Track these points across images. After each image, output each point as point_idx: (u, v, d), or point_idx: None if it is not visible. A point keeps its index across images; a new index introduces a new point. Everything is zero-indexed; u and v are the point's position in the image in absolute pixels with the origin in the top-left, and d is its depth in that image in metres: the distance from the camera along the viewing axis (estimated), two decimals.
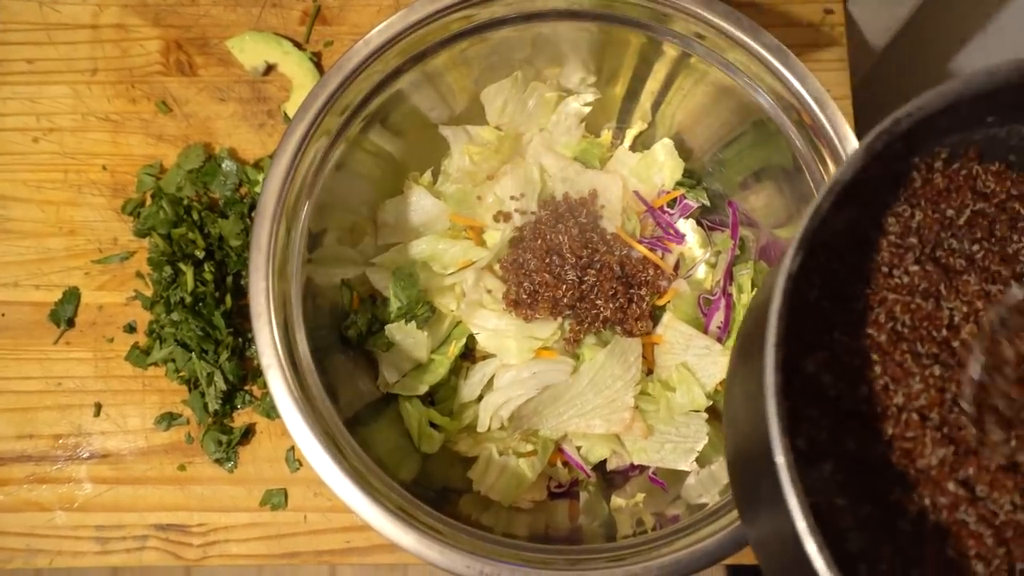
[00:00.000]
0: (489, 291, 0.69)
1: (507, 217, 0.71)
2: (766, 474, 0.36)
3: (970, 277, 0.43)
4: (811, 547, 0.33)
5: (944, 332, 0.42)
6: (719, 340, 0.71)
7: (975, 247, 0.44)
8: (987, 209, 0.46)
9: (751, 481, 0.42)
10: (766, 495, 0.37)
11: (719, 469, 0.66)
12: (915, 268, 0.43)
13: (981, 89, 0.40)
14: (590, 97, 0.74)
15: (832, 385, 0.41)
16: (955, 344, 0.42)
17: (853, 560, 0.38)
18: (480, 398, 0.69)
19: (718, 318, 0.72)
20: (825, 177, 0.64)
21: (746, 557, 0.71)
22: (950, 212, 0.45)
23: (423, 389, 0.69)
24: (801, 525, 0.34)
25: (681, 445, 0.67)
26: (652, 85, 0.73)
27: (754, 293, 0.71)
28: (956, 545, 0.39)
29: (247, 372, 0.77)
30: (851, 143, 0.61)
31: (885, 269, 0.44)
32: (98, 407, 0.76)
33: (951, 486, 0.39)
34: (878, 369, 0.41)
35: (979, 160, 0.46)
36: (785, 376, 0.37)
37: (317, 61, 0.83)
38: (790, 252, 0.38)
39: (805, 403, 0.41)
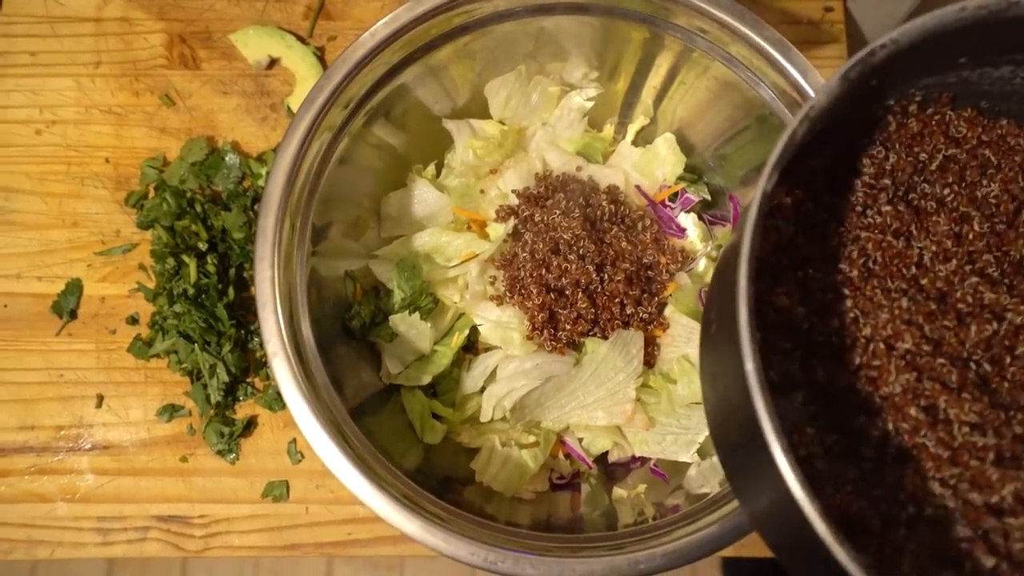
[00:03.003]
0: (492, 283, 0.69)
1: (510, 213, 0.71)
2: (743, 403, 0.37)
3: (939, 218, 0.45)
4: (781, 459, 0.35)
5: (913, 269, 0.44)
6: None
7: (946, 191, 0.46)
8: (958, 154, 0.47)
9: (730, 423, 0.43)
10: (744, 419, 0.38)
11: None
12: (888, 208, 0.45)
13: (951, 25, 0.41)
14: (593, 92, 0.74)
15: (804, 318, 0.43)
16: (923, 281, 0.44)
17: (820, 482, 0.40)
18: (482, 390, 0.69)
19: None
20: None
21: (745, 550, 0.72)
22: (923, 156, 0.47)
23: (426, 380, 0.69)
24: (765, 423, 0.35)
25: (682, 437, 0.68)
26: (654, 80, 0.73)
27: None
28: (916, 467, 0.40)
29: (249, 364, 0.77)
30: None
31: (859, 209, 0.45)
32: (100, 398, 0.76)
33: (912, 411, 0.41)
34: (849, 303, 0.43)
35: (952, 105, 0.47)
36: (758, 307, 0.39)
37: (320, 55, 0.83)
38: (765, 173, 0.39)
39: (778, 336, 0.43)
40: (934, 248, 0.44)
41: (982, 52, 0.45)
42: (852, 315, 0.43)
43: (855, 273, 0.44)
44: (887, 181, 0.46)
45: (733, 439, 0.43)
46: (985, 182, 0.46)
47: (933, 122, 0.47)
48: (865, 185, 0.45)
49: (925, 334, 0.42)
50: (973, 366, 0.42)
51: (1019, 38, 0.43)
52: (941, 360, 0.41)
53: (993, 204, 0.46)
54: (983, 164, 0.47)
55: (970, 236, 0.45)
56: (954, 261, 0.44)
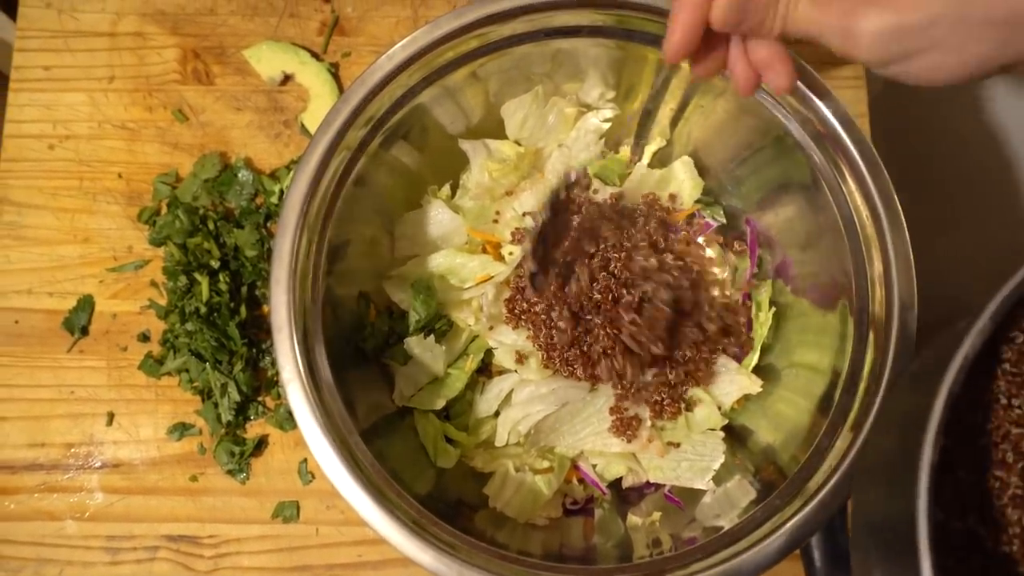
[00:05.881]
0: (507, 306, 0.69)
1: (525, 236, 0.71)
2: None
3: None
4: None
5: None
6: (736, 358, 0.70)
7: None
8: None
9: None
10: None
11: (735, 489, 0.65)
12: None
13: None
14: (609, 113, 0.74)
15: (963, 531, 0.39)
16: None
17: None
18: (497, 413, 0.69)
19: None
20: (845, 192, 0.64)
21: None
22: None
23: (440, 404, 0.68)
24: None
25: (698, 463, 0.67)
26: (671, 101, 0.73)
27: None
28: None
29: (261, 383, 0.76)
30: (875, 163, 0.61)
31: (1004, 400, 0.42)
32: (111, 416, 0.76)
33: None
34: (1013, 513, 0.39)
35: None
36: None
37: (335, 72, 0.83)
38: (927, 443, 0.36)
39: (939, 553, 0.38)
40: None
41: None
42: (1019, 529, 0.39)
43: (1014, 479, 0.40)
44: None
45: None
46: None
47: None
48: (1007, 373, 0.42)
49: None
50: None
51: None
52: None
53: None
54: None
55: None
56: None
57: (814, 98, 0.61)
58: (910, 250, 0.60)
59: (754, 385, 0.68)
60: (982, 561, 0.39)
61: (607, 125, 0.74)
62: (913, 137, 1.06)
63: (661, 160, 0.77)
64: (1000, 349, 0.43)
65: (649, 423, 0.67)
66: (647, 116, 0.75)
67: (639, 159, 0.77)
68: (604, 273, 0.66)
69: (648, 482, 0.70)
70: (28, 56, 0.83)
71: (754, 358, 0.70)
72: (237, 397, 0.73)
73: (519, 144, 0.74)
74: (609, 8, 0.64)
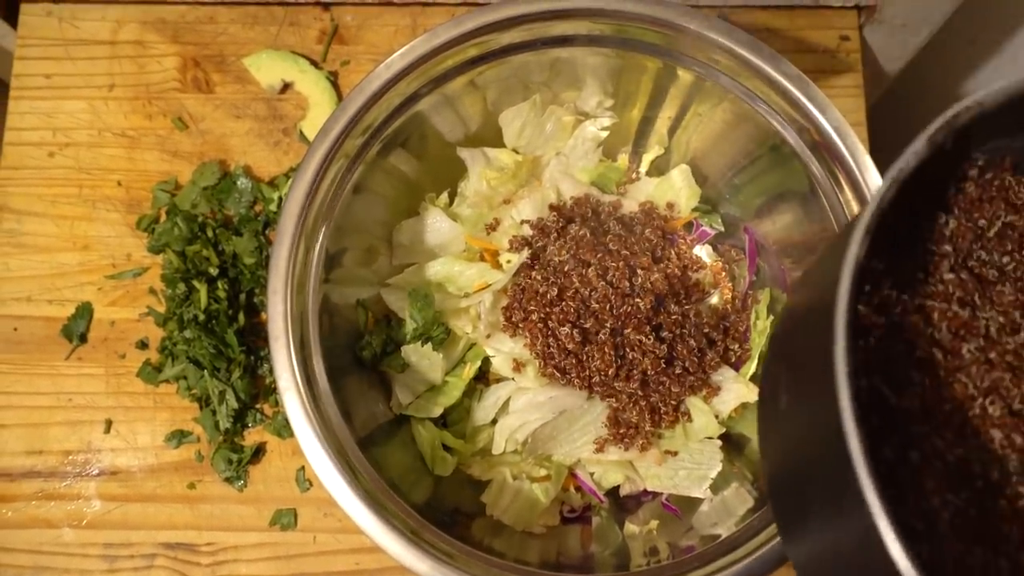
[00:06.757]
0: (505, 314, 0.69)
1: (524, 243, 0.71)
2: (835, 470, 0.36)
3: (1004, 288, 0.43)
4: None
5: (980, 342, 0.42)
6: (734, 366, 0.70)
7: (1005, 259, 0.44)
8: (1017, 222, 0.45)
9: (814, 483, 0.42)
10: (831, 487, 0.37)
11: (732, 497, 0.65)
12: (950, 276, 0.43)
13: None
14: (607, 121, 0.74)
15: (864, 389, 0.41)
16: (992, 355, 0.42)
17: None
18: (494, 421, 0.69)
19: None
20: (842, 201, 0.64)
21: None
22: (982, 222, 0.45)
23: (437, 411, 0.68)
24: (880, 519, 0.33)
25: (695, 472, 0.67)
26: (669, 110, 0.73)
27: (778, 312, 0.71)
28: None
29: (259, 391, 0.76)
30: (870, 172, 0.61)
31: (920, 275, 0.43)
32: (108, 423, 0.76)
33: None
34: (916, 375, 0.41)
35: (1013, 171, 0.46)
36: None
37: (334, 80, 0.83)
38: (856, 238, 0.37)
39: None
40: (1001, 319, 0.42)
41: None
42: (921, 388, 0.41)
43: (922, 342, 0.42)
44: (948, 247, 0.44)
45: (810, 497, 0.42)
46: None
47: (993, 187, 0.45)
48: (925, 251, 0.44)
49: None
50: None
51: None
52: None
53: None
54: None
55: None
56: (1023, 333, 0.42)
57: (811, 107, 0.62)
58: None
59: (752, 393, 0.68)
60: (882, 416, 0.41)
61: (605, 133, 0.74)
62: None
63: (659, 168, 0.78)
64: (920, 227, 0.44)
65: (647, 431, 0.66)
66: (645, 124, 0.76)
67: (637, 167, 0.78)
68: (602, 283, 0.66)
69: (646, 490, 0.70)
70: (29, 64, 0.83)
71: (752, 366, 0.70)
72: (235, 404, 0.73)
73: (517, 152, 0.74)
74: (607, 18, 0.65)
